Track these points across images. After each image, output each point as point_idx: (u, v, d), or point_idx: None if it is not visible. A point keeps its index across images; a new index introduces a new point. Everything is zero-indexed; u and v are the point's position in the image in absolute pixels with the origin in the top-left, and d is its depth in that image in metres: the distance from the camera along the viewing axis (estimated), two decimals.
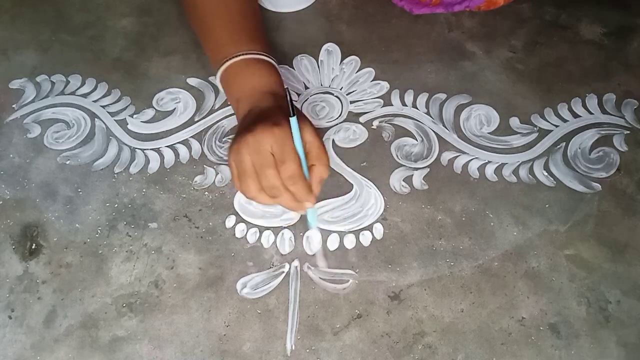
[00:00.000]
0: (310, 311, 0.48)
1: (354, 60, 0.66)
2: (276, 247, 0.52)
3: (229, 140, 0.59)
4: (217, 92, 0.63)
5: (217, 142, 0.59)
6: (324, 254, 0.51)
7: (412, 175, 0.56)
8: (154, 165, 0.57)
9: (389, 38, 0.68)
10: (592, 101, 0.62)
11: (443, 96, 0.62)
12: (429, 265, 0.50)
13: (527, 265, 0.50)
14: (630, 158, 0.57)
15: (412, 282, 0.50)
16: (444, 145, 0.58)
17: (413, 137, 0.59)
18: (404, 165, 0.57)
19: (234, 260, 0.51)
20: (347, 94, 0.63)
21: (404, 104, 0.62)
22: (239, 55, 0.52)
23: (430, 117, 0.61)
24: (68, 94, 0.63)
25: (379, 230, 0.53)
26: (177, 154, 0.58)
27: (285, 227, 0.53)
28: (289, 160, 0.45)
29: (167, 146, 0.59)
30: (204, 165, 0.57)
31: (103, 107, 0.62)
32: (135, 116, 0.61)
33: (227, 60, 0.52)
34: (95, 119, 0.61)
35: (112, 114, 0.61)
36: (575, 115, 0.61)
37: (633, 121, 0.60)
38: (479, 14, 0.71)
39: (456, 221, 0.53)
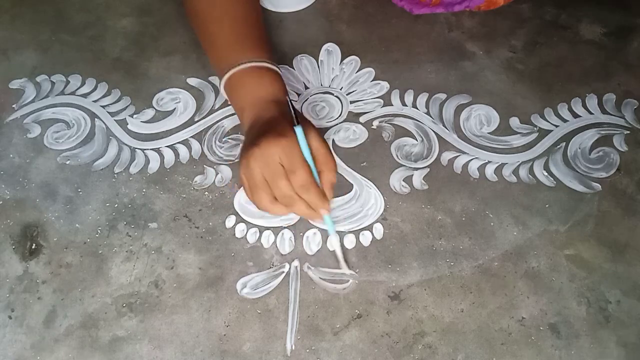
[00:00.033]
0: (310, 311, 0.48)
1: (354, 60, 0.66)
2: (276, 247, 0.52)
3: (229, 141, 0.59)
4: (217, 92, 0.63)
5: (217, 142, 0.59)
6: (345, 259, 0.50)
7: (412, 175, 0.56)
8: (154, 165, 0.57)
9: (389, 38, 0.68)
10: (592, 101, 0.62)
11: (443, 96, 0.62)
12: (429, 265, 0.50)
13: (527, 265, 0.50)
14: (630, 158, 0.57)
15: (412, 282, 0.50)
16: (444, 145, 0.58)
17: (413, 137, 0.59)
18: (404, 165, 0.57)
19: (234, 260, 0.51)
20: (347, 94, 0.63)
21: (404, 104, 0.62)
22: (243, 63, 0.52)
23: (430, 117, 0.61)
24: (68, 94, 0.63)
25: (379, 230, 0.53)
26: (177, 154, 0.58)
27: (285, 227, 0.53)
28: (299, 169, 0.45)
29: (167, 146, 0.59)
30: (204, 165, 0.57)
31: (103, 107, 0.62)
32: (135, 116, 0.61)
33: (231, 69, 0.52)
34: (95, 119, 0.61)
35: (112, 114, 0.61)
36: (575, 115, 0.61)
37: (633, 121, 0.60)
38: (479, 14, 0.71)
39: (456, 221, 0.53)
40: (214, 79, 0.64)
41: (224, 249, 0.52)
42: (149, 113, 0.61)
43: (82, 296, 0.49)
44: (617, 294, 0.49)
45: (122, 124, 0.61)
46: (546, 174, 0.56)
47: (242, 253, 0.51)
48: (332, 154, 0.48)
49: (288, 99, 0.47)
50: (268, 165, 0.45)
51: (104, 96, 0.63)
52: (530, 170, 0.56)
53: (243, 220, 0.53)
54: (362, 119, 0.61)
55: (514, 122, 0.60)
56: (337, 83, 0.64)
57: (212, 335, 0.47)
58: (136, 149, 0.58)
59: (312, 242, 0.52)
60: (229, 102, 0.55)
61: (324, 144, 0.48)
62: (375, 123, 0.60)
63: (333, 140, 0.59)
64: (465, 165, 0.57)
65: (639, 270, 0.50)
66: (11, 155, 0.58)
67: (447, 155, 0.57)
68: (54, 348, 0.47)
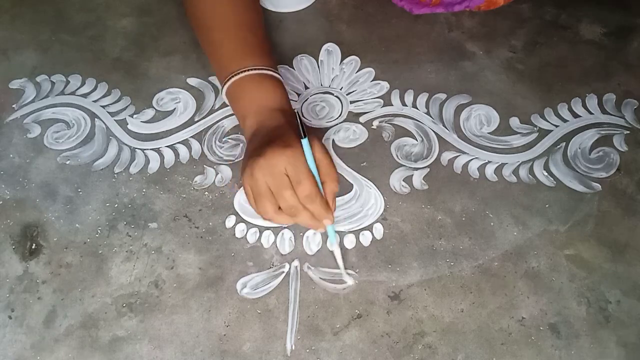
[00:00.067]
0: (310, 311, 0.48)
1: (354, 60, 0.66)
2: (276, 247, 0.52)
3: (229, 141, 0.59)
4: (217, 92, 0.63)
5: (217, 142, 0.59)
6: (346, 271, 0.50)
7: (412, 175, 0.56)
8: (154, 165, 0.57)
9: (389, 38, 0.68)
10: (592, 101, 0.62)
11: (443, 96, 0.62)
12: (429, 265, 0.50)
13: (527, 265, 0.50)
14: (630, 158, 0.57)
15: (412, 282, 0.50)
16: (444, 145, 0.58)
17: (413, 137, 0.59)
18: (404, 165, 0.57)
19: (234, 260, 0.51)
20: (347, 94, 0.63)
21: (404, 104, 0.62)
22: (245, 70, 0.52)
23: (430, 117, 0.61)
24: (68, 94, 0.63)
25: (379, 230, 0.53)
26: (177, 154, 0.58)
27: (285, 227, 0.53)
28: (305, 180, 0.45)
29: (167, 146, 0.59)
30: (204, 165, 0.57)
31: (103, 107, 0.62)
32: (135, 116, 0.61)
33: (233, 76, 0.52)
34: (95, 119, 0.61)
35: (112, 114, 0.61)
36: (575, 115, 0.61)
37: (633, 121, 0.60)
38: (479, 14, 0.71)
39: (456, 221, 0.53)
40: (214, 79, 0.64)
41: (224, 249, 0.52)
42: (149, 113, 0.61)
43: (82, 296, 0.49)
44: (617, 294, 0.49)
45: (122, 124, 0.61)
46: (546, 174, 0.56)
47: (242, 253, 0.51)
48: (333, 164, 0.48)
49: (296, 112, 0.47)
50: (273, 175, 0.45)
51: (104, 96, 0.63)
52: (530, 170, 0.56)
53: (243, 220, 0.53)
54: (362, 119, 0.61)
55: (514, 122, 0.60)
56: (337, 83, 0.64)
57: (212, 335, 0.47)
58: (136, 149, 0.58)
59: (312, 242, 0.52)
60: (231, 109, 0.55)
61: (327, 155, 0.48)
62: (375, 123, 0.60)
63: (333, 140, 0.59)
64: (465, 165, 0.57)
65: (639, 270, 0.50)
66: (11, 155, 0.58)
67: (447, 155, 0.57)
68: (54, 348, 0.47)
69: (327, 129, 0.60)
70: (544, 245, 0.51)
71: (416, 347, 0.46)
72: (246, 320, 0.48)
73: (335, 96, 0.63)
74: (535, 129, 0.60)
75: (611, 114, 0.61)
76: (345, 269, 0.50)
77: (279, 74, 0.53)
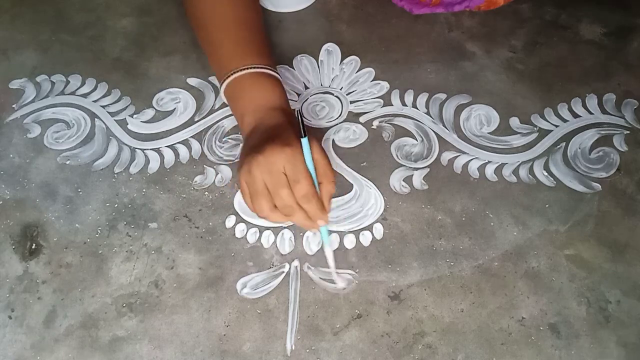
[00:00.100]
0: (310, 311, 0.48)
1: (354, 60, 0.66)
2: (276, 247, 0.52)
3: (229, 141, 0.59)
4: (217, 92, 0.63)
5: (217, 142, 0.59)
6: (339, 273, 0.50)
7: (412, 175, 0.56)
8: (154, 165, 0.57)
9: (389, 38, 0.68)
10: (592, 101, 0.62)
11: (443, 96, 0.62)
12: (429, 265, 0.50)
13: (527, 265, 0.50)
14: (630, 158, 0.57)
15: (412, 282, 0.50)
16: (444, 145, 0.58)
17: (413, 137, 0.59)
18: (404, 165, 0.57)
19: (234, 260, 0.51)
20: (347, 94, 0.63)
21: (404, 104, 0.62)
22: (244, 69, 0.52)
23: (430, 117, 0.61)
24: (68, 94, 0.63)
25: (379, 230, 0.53)
26: (177, 154, 0.58)
27: (285, 227, 0.53)
28: (303, 180, 0.45)
29: (167, 146, 0.59)
30: (204, 165, 0.57)
31: (103, 107, 0.62)
32: (135, 116, 0.61)
33: (230, 75, 0.52)
34: (95, 119, 0.61)
35: (112, 114, 0.61)
36: (575, 115, 0.61)
37: (633, 121, 0.60)
38: (479, 14, 0.71)
39: (456, 221, 0.53)
40: (214, 79, 0.64)
41: (224, 249, 0.52)
42: (149, 113, 0.61)
43: (82, 296, 0.49)
44: (617, 294, 0.49)
45: (122, 124, 0.61)
46: (546, 174, 0.56)
47: (242, 253, 0.51)
48: (331, 165, 0.48)
49: (298, 112, 0.47)
50: (271, 173, 0.45)
51: (104, 96, 0.63)
52: (530, 170, 0.56)
53: (243, 220, 0.53)
54: (362, 119, 0.61)
55: (514, 122, 0.60)
56: (337, 83, 0.64)
57: (212, 335, 0.47)
58: (136, 149, 0.58)
59: (312, 242, 0.52)
60: (229, 108, 0.55)
61: (325, 156, 0.48)
62: (375, 123, 0.60)
63: (333, 140, 0.59)
64: (465, 165, 0.57)
65: (639, 270, 0.50)
66: (11, 155, 0.58)
67: (447, 155, 0.57)
68: (54, 348, 0.47)
69: (327, 129, 0.60)
70: (544, 245, 0.51)
71: (416, 347, 0.46)
72: (246, 320, 0.48)
73: (335, 96, 0.63)
74: (535, 129, 0.60)
75: (611, 114, 0.61)
76: (343, 269, 0.50)
77: (278, 73, 0.53)
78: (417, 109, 0.61)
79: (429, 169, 0.57)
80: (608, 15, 0.70)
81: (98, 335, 0.47)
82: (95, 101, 0.62)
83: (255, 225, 0.53)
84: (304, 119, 0.54)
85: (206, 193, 0.55)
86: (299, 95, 0.63)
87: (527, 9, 0.71)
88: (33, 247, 0.52)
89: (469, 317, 0.48)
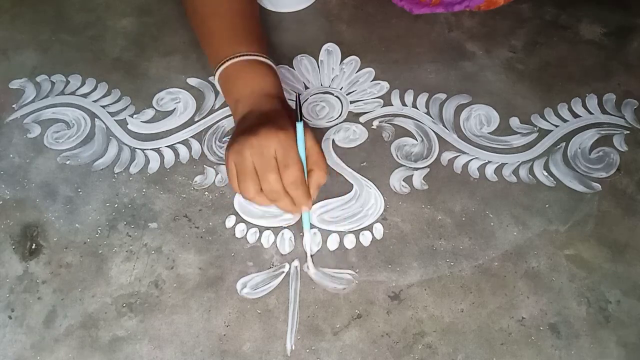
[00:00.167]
0: (310, 311, 0.48)
1: (354, 60, 0.66)
2: (276, 247, 0.52)
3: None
4: (217, 92, 0.63)
5: (217, 142, 0.59)
6: (313, 261, 0.51)
7: (412, 175, 0.56)
8: (154, 165, 0.57)
9: (389, 38, 0.68)
10: (592, 101, 0.62)
11: (443, 96, 0.62)
12: (429, 265, 0.50)
13: (527, 265, 0.50)
14: (630, 158, 0.57)
15: (412, 282, 0.50)
16: (444, 145, 0.58)
17: (413, 137, 0.59)
18: (404, 165, 0.57)
19: (234, 260, 0.51)
20: (347, 94, 0.63)
21: (404, 104, 0.62)
22: (238, 56, 0.52)
23: (430, 117, 0.61)
24: (68, 94, 0.63)
25: (379, 230, 0.53)
26: (177, 154, 0.58)
27: (285, 227, 0.53)
28: (293, 165, 0.45)
29: (167, 146, 0.59)
30: (204, 165, 0.57)
31: (103, 107, 0.62)
32: (135, 116, 0.61)
33: (225, 61, 0.52)
34: (95, 119, 0.61)
35: (112, 114, 0.61)
36: (575, 115, 0.61)
37: (633, 121, 0.60)
38: (479, 14, 0.71)
39: (456, 221, 0.53)
40: (214, 79, 0.64)
41: (224, 249, 0.52)
42: (149, 113, 0.61)
43: (82, 296, 0.49)
44: (617, 294, 0.49)
45: (122, 124, 0.61)
46: (546, 174, 0.56)
47: (242, 253, 0.51)
48: (323, 154, 0.48)
49: (297, 95, 0.47)
50: (262, 156, 0.45)
51: (104, 96, 0.63)
52: (530, 170, 0.56)
53: (243, 220, 0.53)
54: (362, 119, 0.61)
55: (514, 122, 0.60)
56: (337, 83, 0.64)
57: (212, 335, 0.47)
58: (136, 149, 0.58)
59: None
60: (223, 95, 0.55)
61: (317, 144, 0.48)
62: (375, 123, 0.60)
63: (333, 140, 0.59)
64: (465, 165, 0.57)
65: (639, 270, 0.50)
66: (11, 155, 0.58)
67: (447, 155, 0.57)
68: (54, 348, 0.47)
69: (327, 129, 0.60)
70: (544, 245, 0.51)
71: (416, 347, 0.46)
72: (246, 320, 0.48)
73: (335, 96, 0.63)
74: (535, 129, 0.60)
75: (611, 114, 0.61)
76: (343, 269, 0.50)
77: (271, 61, 0.53)
78: (417, 109, 0.61)
79: (429, 169, 0.57)
80: (608, 15, 0.70)
81: (98, 335, 0.47)
82: (95, 101, 0.62)
83: (255, 226, 0.53)
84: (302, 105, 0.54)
85: (206, 193, 0.55)
86: (299, 95, 0.63)
87: (527, 9, 0.71)
88: (33, 247, 0.52)
89: (469, 317, 0.48)
